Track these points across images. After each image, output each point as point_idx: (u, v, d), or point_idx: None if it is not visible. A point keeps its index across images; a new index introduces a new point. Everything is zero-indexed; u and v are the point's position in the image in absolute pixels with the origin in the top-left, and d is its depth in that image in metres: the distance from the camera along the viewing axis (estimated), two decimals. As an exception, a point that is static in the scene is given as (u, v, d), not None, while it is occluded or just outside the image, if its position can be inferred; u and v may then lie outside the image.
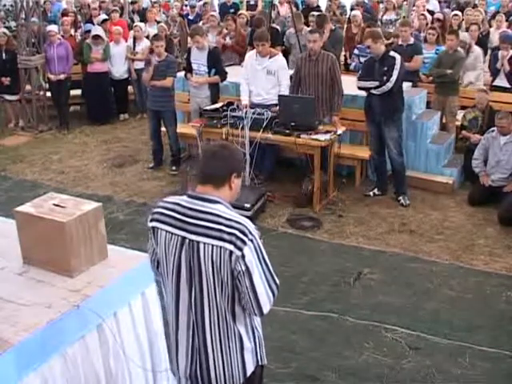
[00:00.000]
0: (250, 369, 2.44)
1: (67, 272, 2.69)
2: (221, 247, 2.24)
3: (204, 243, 2.27)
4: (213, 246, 2.25)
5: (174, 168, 7.45)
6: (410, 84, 7.26)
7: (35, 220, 2.68)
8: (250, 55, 6.89)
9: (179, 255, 2.34)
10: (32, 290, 2.61)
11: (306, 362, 3.95)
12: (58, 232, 2.62)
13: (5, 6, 14.02)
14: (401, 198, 6.46)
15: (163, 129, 7.52)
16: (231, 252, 2.22)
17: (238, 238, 2.23)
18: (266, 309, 2.32)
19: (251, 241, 2.25)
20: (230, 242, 2.23)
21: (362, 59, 7.80)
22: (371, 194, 6.67)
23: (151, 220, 2.45)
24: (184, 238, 2.32)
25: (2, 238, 3.03)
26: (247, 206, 5.82)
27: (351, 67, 8.93)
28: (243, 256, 2.22)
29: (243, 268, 2.23)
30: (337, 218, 6.15)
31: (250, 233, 2.26)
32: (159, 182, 7.18)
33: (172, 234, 2.35)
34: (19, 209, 2.76)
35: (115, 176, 7.38)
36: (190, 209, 2.34)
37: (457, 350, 4.07)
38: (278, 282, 2.36)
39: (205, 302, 2.33)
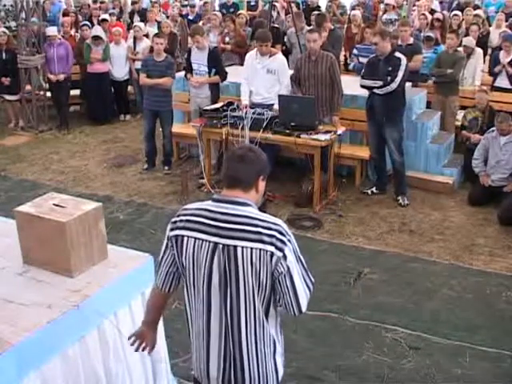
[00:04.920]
0: (281, 372, 2.44)
1: (67, 272, 2.69)
2: (261, 249, 2.20)
3: (242, 247, 2.22)
4: (252, 248, 2.20)
5: (166, 168, 7.48)
6: (410, 84, 7.26)
7: (35, 220, 2.68)
8: (250, 55, 6.89)
9: (211, 261, 2.27)
10: (32, 289, 2.61)
11: (306, 362, 3.95)
12: (58, 232, 2.62)
13: (5, 6, 14.03)
14: (400, 197, 6.46)
15: (160, 129, 7.52)
16: (272, 253, 2.20)
17: (277, 239, 2.21)
18: (304, 307, 2.33)
19: (289, 241, 2.24)
20: (271, 244, 2.20)
21: (362, 59, 7.79)
22: (369, 191, 6.68)
23: (174, 229, 2.35)
24: (216, 244, 2.25)
25: (2, 237, 3.03)
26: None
27: (350, 67, 8.92)
28: (285, 257, 2.21)
29: (285, 269, 2.22)
30: (337, 217, 6.16)
31: (287, 233, 2.25)
32: (159, 182, 7.18)
33: (202, 240, 2.28)
34: (19, 209, 2.76)
35: (115, 176, 7.38)
36: (221, 213, 2.28)
37: (457, 350, 4.07)
38: (313, 279, 2.36)
39: (241, 307, 2.29)
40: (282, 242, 2.22)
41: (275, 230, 2.23)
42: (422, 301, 4.68)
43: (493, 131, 6.48)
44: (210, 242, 2.27)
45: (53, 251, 2.68)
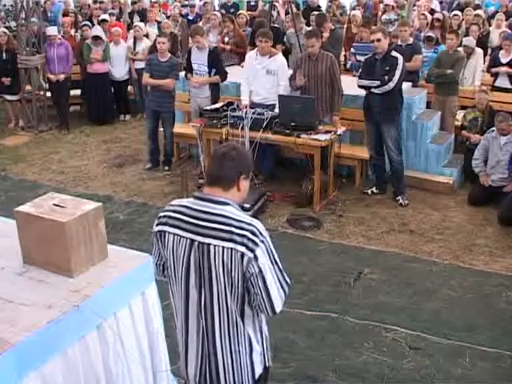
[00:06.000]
0: (258, 371, 2.43)
1: (67, 272, 2.69)
2: (232, 249, 2.21)
3: (214, 245, 2.24)
4: (223, 247, 2.22)
5: (166, 168, 7.51)
6: (410, 84, 7.26)
7: (35, 220, 2.68)
8: (251, 55, 6.90)
9: (188, 258, 2.31)
10: (32, 289, 2.61)
11: (306, 362, 3.96)
12: (58, 232, 2.62)
13: (5, 5, 14.00)
14: (399, 197, 6.47)
15: (161, 129, 7.54)
16: (243, 254, 2.20)
17: (249, 239, 2.21)
18: (278, 308, 2.31)
19: (262, 242, 2.23)
20: (242, 244, 2.21)
21: (359, 57, 7.80)
22: (369, 191, 6.69)
23: (158, 224, 2.43)
24: (193, 241, 2.29)
25: (2, 237, 3.03)
26: (247, 206, 5.82)
27: (348, 66, 8.88)
28: (256, 258, 2.20)
29: (256, 270, 2.21)
30: (337, 217, 6.16)
31: (261, 234, 2.25)
32: (159, 182, 7.18)
33: (180, 236, 2.33)
34: (19, 209, 2.76)
35: (115, 176, 7.38)
36: (199, 211, 2.31)
37: (457, 350, 4.07)
38: (289, 281, 2.35)
39: (215, 305, 2.31)
40: (254, 242, 2.21)
41: (248, 231, 2.23)
42: (422, 301, 4.68)
43: (493, 131, 6.48)
44: (187, 238, 2.31)
45: (53, 251, 2.68)
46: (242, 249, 2.20)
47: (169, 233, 2.37)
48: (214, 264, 2.25)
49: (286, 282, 2.33)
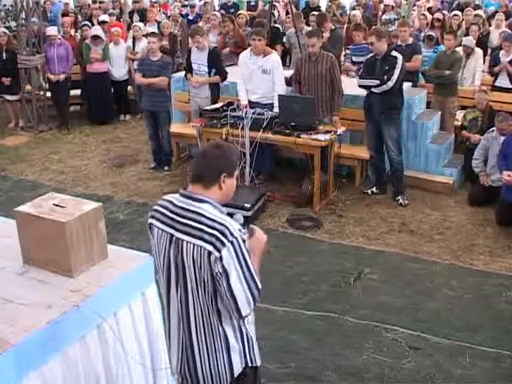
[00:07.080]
0: (237, 369, 2.43)
1: (67, 272, 2.69)
2: (201, 247, 2.25)
3: (187, 242, 2.29)
4: (194, 245, 2.26)
5: (166, 168, 7.51)
6: (410, 84, 7.26)
7: (35, 220, 2.68)
8: (244, 54, 6.88)
9: (168, 252, 2.37)
10: (32, 289, 2.61)
11: (306, 362, 3.95)
12: (58, 232, 2.62)
13: (5, 6, 14.00)
14: (399, 197, 6.46)
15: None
16: (210, 252, 2.23)
17: (217, 239, 2.23)
18: (244, 312, 2.30)
19: (231, 242, 2.23)
20: (210, 243, 2.23)
21: (355, 59, 7.80)
22: (369, 191, 6.69)
23: (149, 217, 2.50)
24: (172, 236, 2.35)
25: (2, 237, 3.03)
26: (247, 206, 5.82)
27: (344, 68, 8.85)
28: (221, 258, 2.22)
29: (220, 270, 2.23)
30: (337, 217, 6.15)
31: (231, 234, 2.24)
32: (159, 182, 7.18)
33: (163, 231, 2.39)
34: (19, 209, 2.76)
35: (115, 176, 7.38)
36: (180, 207, 2.37)
37: (457, 350, 4.07)
38: (259, 286, 2.33)
39: (189, 301, 2.35)
40: (222, 242, 2.22)
41: (218, 230, 2.24)
42: (422, 301, 4.68)
43: (493, 131, 6.48)
44: (167, 233, 2.37)
45: (53, 251, 2.68)
46: (210, 248, 2.23)
47: (154, 226, 2.43)
48: (186, 260, 2.30)
49: (257, 287, 2.31)
